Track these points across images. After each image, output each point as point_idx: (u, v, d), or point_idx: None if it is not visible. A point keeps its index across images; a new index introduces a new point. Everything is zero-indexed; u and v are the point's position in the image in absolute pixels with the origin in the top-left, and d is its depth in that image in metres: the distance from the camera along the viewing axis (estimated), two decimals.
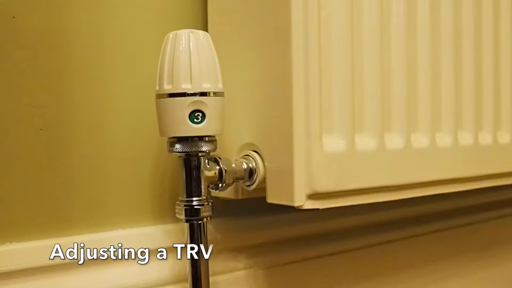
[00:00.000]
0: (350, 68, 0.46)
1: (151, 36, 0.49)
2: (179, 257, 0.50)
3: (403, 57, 0.50)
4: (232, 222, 0.54)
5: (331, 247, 0.61)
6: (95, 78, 0.46)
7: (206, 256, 0.44)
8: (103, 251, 0.46)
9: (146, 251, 0.48)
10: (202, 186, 0.43)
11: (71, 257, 0.45)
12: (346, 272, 0.63)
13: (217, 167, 0.44)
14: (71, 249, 0.45)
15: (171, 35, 0.42)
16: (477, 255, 0.79)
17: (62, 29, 0.45)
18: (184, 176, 0.43)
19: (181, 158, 0.43)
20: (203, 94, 0.41)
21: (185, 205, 0.43)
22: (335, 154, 0.45)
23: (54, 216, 0.45)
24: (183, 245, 0.46)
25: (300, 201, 0.43)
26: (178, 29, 0.42)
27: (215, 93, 0.41)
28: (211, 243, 0.51)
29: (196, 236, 0.43)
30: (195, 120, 0.41)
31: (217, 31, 0.49)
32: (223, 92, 0.42)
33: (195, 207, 0.43)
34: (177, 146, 0.42)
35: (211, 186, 0.45)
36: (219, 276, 0.52)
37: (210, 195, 0.44)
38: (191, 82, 0.40)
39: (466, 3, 0.56)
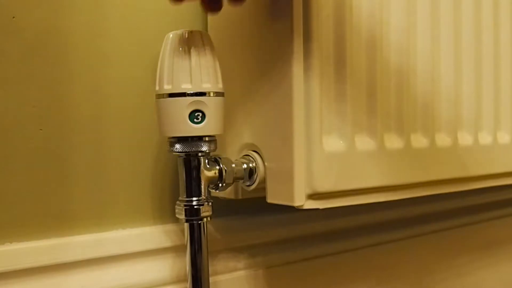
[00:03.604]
0: (350, 67, 0.46)
1: (151, 36, 0.49)
2: (179, 257, 0.50)
3: (403, 56, 0.50)
4: (232, 222, 0.54)
5: (331, 247, 0.61)
6: (95, 78, 0.46)
7: (206, 256, 0.44)
8: (103, 251, 0.46)
9: (146, 251, 0.49)
10: (202, 186, 0.43)
11: (71, 257, 0.45)
12: (346, 272, 0.63)
13: (217, 167, 0.44)
14: (71, 249, 0.45)
15: (171, 35, 0.42)
16: (477, 255, 0.79)
17: (62, 29, 0.45)
18: (184, 176, 0.43)
19: (181, 158, 0.43)
20: (203, 94, 0.41)
21: (185, 205, 0.43)
22: (335, 154, 0.45)
23: (54, 216, 0.45)
24: (183, 245, 0.46)
25: (300, 201, 0.43)
26: (178, 29, 0.42)
27: (215, 93, 0.41)
28: (211, 243, 0.51)
29: (196, 236, 0.43)
30: (195, 120, 0.41)
31: (217, 31, 0.49)
32: (223, 92, 0.42)
33: (195, 207, 0.43)
34: (177, 146, 0.42)
35: (211, 186, 0.45)
36: (219, 276, 0.52)
37: (210, 195, 0.44)
38: (191, 82, 0.40)
39: (466, 3, 0.56)
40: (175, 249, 0.50)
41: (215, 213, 0.44)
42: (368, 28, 0.47)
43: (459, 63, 0.55)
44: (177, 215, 0.44)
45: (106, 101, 0.47)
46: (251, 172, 0.45)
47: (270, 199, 0.45)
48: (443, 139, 0.54)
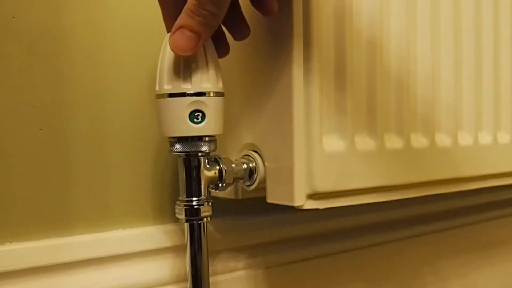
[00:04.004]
0: (350, 67, 0.46)
1: (151, 36, 0.49)
2: (179, 257, 0.50)
3: (403, 56, 0.50)
4: (232, 222, 0.54)
5: (331, 247, 0.61)
6: (95, 78, 0.46)
7: (206, 256, 0.44)
8: (103, 251, 0.46)
9: (146, 251, 0.49)
10: (202, 186, 0.43)
11: (71, 257, 0.45)
12: (346, 272, 0.63)
13: (217, 167, 0.44)
14: (71, 249, 0.45)
15: None
16: (477, 255, 0.79)
17: (62, 29, 0.45)
18: (184, 176, 0.43)
19: (181, 158, 0.43)
20: (203, 94, 0.41)
21: (185, 205, 0.43)
22: (335, 154, 0.45)
23: (54, 216, 0.45)
24: (183, 245, 0.46)
25: (300, 201, 0.43)
26: None
27: (215, 93, 0.41)
28: (211, 243, 0.51)
29: (196, 236, 0.43)
30: (195, 120, 0.41)
31: None
32: (223, 92, 0.42)
33: (195, 207, 0.43)
34: (177, 146, 0.42)
35: (211, 186, 0.45)
36: (219, 276, 0.52)
37: (210, 195, 0.44)
38: (191, 82, 0.40)
39: (466, 3, 0.56)
40: (175, 249, 0.50)
41: (215, 213, 0.44)
42: (368, 29, 0.47)
43: (459, 63, 0.55)
44: (177, 215, 0.44)
45: (106, 101, 0.47)
46: (251, 172, 0.45)
47: (270, 199, 0.45)
48: (443, 139, 0.54)
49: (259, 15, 0.43)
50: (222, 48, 0.43)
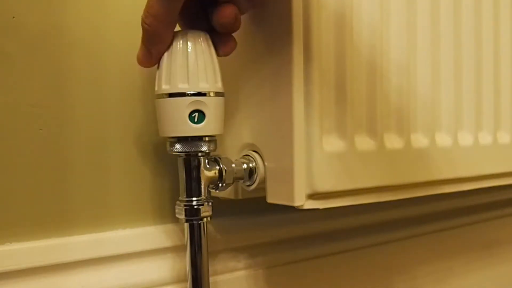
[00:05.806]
0: (350, 68, 0.46)
1: None
2: (179, 257, 0.50)
3: (403, 56, 0.50)
4: (232, 222, 0.54)
5: (331, 247, 0.61)
6: (95, 77, 0.46)
7: (206, 256, 0.44)
8: (103, 251, 0.46)
9: (146, 251, 0.49)
10: (202, 186, 0.43)
11: (71, 257, 0.45)
12: (346, 272, 0.63)
13: (217, 167, 0.44)
14: (71, 249, 0.45)
15: None
16: (477, 255, 0.79)
17: (62, 29, 0.45)
18: (184, 176, 0.43)
19: (181, 158, 0.43)
20: (202, 94, 0.41)
21: (185, 205, 0.43)
22: (335, 154, 0.45)
23: (54, 216, 0.45)
24: (183, 245, 0.46)
25: (300, 201, 0.43)
26: (178, 29, 0.42)
27: (215, 93, 0.41)
28: (211, 243, 0.51)
29: (196, 236, 0.43)
30: (195, 120, 0.41)
31: None
32: (223, 92, 0.42)
33: (195, 207, 0.43)
34: (177, 146, 0.42)
35: (211, 186, 0.45)
36: (219, 276, 0.52)
37: (210, 195, 0.44)
38: (190, 82, 0.40)
39: (466, 3, 0.56)
40: (175, 249, 0.50)
41: (215, 213, 0.44)
42: (369, 28, 0.47)
43: (459, 63, 0.55)
44: (177, 215, 0.44)
45: (106, 101, 0.47)
46: (251, 172, 0.45)
47: (270, 199, 0.45)
48: (443, 139, 0.54)
49: (258, 14, 0.43)
50: (227, 44, 0.42)
